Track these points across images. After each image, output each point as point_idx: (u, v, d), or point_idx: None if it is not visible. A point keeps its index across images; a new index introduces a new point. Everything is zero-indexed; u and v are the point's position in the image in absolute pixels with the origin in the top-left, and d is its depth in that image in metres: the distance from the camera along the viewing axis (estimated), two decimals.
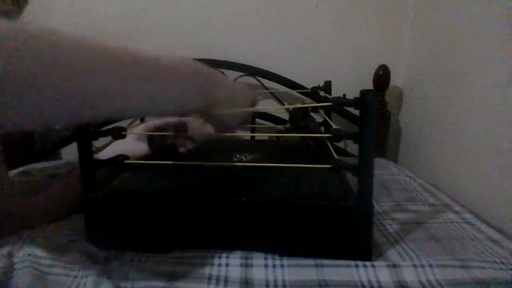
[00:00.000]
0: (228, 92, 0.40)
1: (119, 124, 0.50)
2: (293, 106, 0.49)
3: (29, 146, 0.90)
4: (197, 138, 0.58)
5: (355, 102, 0.37)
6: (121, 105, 0.27)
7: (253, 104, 0.45)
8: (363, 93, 0.35)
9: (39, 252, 0.37)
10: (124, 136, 0.47)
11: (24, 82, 0.20)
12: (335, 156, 0.42)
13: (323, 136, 0.50)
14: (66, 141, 0.93)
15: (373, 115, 0.36)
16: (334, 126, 0.47)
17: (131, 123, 0.97)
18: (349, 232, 0.40)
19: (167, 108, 0.33)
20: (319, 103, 0.77)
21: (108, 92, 0.25)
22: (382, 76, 0.89)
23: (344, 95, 0.51)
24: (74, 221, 0.48)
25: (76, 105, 0.24)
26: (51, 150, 0.93)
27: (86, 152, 0.42)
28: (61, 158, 0.97)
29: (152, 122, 0.60)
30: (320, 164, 0.40)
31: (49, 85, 0.21)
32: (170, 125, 0.59)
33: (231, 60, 0.92)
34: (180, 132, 0.58)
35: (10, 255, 0.36)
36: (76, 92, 0.23)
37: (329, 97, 0.71)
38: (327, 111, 0.74)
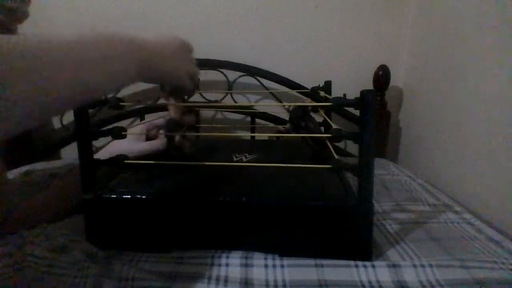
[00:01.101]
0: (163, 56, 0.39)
1: (119, 124, 0.50)
2: (293, 104, 0.49)
3: (29, 146, 0.90)
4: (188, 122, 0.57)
5: (355, 102, 0.37)
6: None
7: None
8: (364, 93, 0.35)
9: (39, 252, 0.37)
10: (124, 136, 0.46)
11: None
12: (335, 156, 0.42)
13: (323, 136, 0.50)
14: (66, 141, 0.93)
15: (374, 115, 0.36)
16: (334, 126, 0.47)
17: (131, 123, 0.97)
18: (349, 232, 0.40)
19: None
20: (319, 103, 0.77)
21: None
22: (382, 76, 0.89)
23: (345, 95, 0.51)
24: (74, 221, 0.48)
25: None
26: (51, 150, 0.93)
27: (86, 152, 0.42)
28: (61, 158, 0.97)
29: (152, 121, 0.60)
30: (320, 164, 0.40)
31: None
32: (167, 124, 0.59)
33: (231, 60, 0.92)
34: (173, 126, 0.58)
35: (10, 255, 0.36)
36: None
37: (329, 97, 0.71)
38: (327, 111, 0.74)
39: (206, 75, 0.94)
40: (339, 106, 0.37)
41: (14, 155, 0.85)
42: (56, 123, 0.96)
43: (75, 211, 0.49)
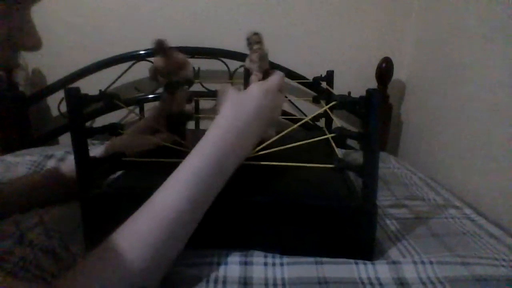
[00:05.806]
0: None
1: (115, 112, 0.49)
2: (311, 116, 0.46)
3: (27, 133, 0.89)
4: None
5: (360, 102, 0.36)
6: None
7: None
8: (370, 93, 0.34)
9: (40, 253, 0.37)
10: (120, 134, 0.45)
11: None
12: (338, 155, 0.42)
13: (327, 137, 0.49)
14: (64, 129, 0.92)
15: (379, 116, 0.35)
16: (338, 124, 0.46)
17: (128, 114, 0.95)
18: (352, 232, 0.39)
19: None
20: (320, 94, 0.76)
21: None
22: (385, 69, 0.88)
23: (349, 93, 0.50)
24: (74, 220, 0.47)
25: None
26: (49, 138, 0.92)
27: (81, 150, 0.39)
28: (58, 143, 0.97)
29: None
30: (323, 164, 0.39)
31: None
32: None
33: (233, 50, 0.91)
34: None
35: (10, 253, 0.35)
36: None
37: (333, 92, 0.70)
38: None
39: (207, 64, 0.92)
40: (344, 106, 0.36)
41: (12, 141, 0.84)
42: (54, 111, 0.95)
43: (67, 198, 0.48)
